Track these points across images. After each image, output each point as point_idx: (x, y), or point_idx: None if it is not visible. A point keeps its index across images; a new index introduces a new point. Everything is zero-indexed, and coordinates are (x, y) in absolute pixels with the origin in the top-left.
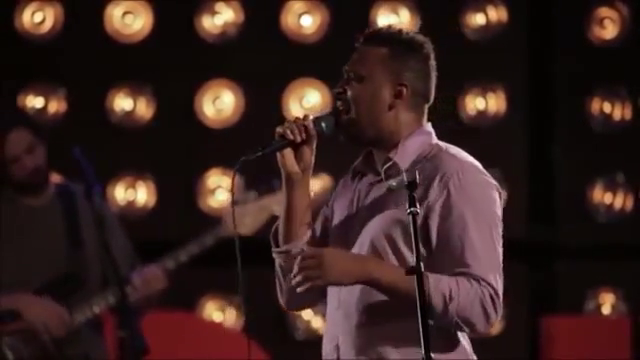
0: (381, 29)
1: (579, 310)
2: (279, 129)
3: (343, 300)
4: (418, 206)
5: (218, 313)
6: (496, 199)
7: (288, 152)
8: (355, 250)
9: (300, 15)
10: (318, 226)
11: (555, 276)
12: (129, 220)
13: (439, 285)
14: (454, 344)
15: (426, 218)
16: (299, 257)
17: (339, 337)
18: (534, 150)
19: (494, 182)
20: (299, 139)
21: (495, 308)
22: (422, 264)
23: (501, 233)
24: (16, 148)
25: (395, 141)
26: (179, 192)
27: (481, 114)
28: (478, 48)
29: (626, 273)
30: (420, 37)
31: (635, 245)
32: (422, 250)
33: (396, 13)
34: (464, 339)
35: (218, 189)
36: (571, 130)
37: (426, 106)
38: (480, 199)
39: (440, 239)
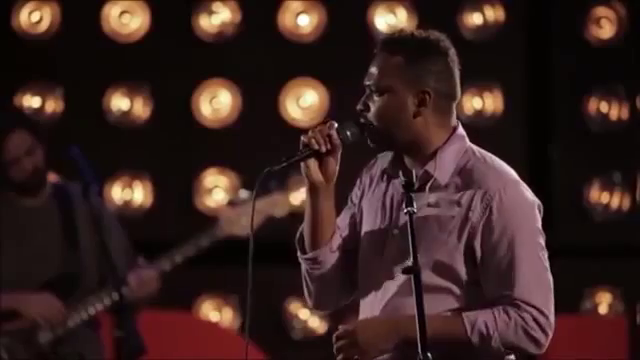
0: (393, 35)
1: (576, 309)
2: (304, 138)
3: (378, 316)
4: (414, 206)
5: (215, 313)
6: (537, 216)
7: (312, 162)
8: (391, 266)
9: (297, 14)
10: (345, 225)
11: (552, 275)
12: (126, 220)
13: (475, 324)
14: (500, 357)
15: (470, 239)
16: (334, 337)
17: None
18: (531, 150)
19: (534, 197)
20: (324, 149)
21: (543, 330)
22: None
23: (545, 248)
24: (16, 150)
25: (427, 148)
26: (176, 192)
27: (478, 114)
28: (475, 48)
29: (623, 272)
30: (435, 35)
31: (632, 244)
32: (464, 273)
33: (393, 13)
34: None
35: (215, 189)
36: (568, 130)
37: (454, 104)
38: (523, 218)
39: (484, 260)
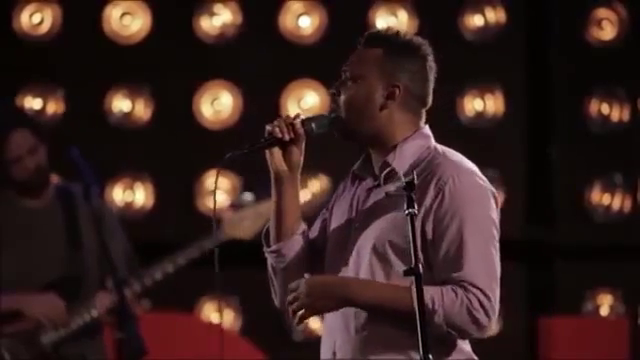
0: (379, 30)
1: (577, 311)
2: (268, 127)
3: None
4: (416, 208)
5: (216, 314)
6: (492, 204)
7: (276, 151)
8: (353, 255)
9: (298, 16)
10: (316, 228)
11: (553, 277)
12: (127, 221)
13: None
14: (452, 346)
15: (423, 223)
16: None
17: (336, 342)
18: (532, 151)
19: (491, 187)
20: (287, 137)
21: (486, 313)
22: (420, 267)
23: (497, 237)
24: (18, 149)
25: (391, 143)
26: (177, 193)
27: (479, 115)
28: (476, 49)
29: (624, 274)
30: (418, 39)
31: (633, 246)
32: (420, 255)
33: (394, 15)
34: (462, 341)
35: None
36: (569, 131)
37: (423, 109)
38: (475, 204)
39: (434, 243)
